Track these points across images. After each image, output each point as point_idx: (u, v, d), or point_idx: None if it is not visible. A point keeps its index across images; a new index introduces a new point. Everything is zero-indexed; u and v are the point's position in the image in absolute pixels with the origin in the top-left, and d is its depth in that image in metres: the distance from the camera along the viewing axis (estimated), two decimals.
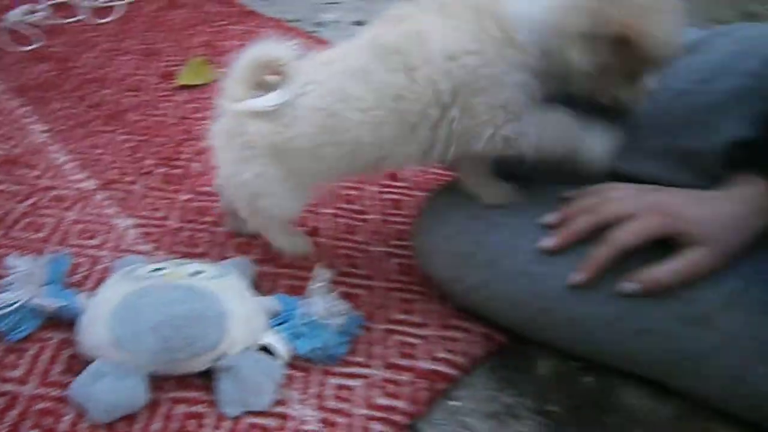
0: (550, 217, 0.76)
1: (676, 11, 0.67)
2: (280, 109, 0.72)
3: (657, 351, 0.74)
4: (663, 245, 0.70)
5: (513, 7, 0.69)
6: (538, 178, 0.81)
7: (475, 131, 0.72)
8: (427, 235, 0.83)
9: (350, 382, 0.76)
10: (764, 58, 0.74)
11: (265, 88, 0.74)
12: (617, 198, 0.74)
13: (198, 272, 0.77)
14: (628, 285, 0.71)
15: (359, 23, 1.72)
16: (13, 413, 0.69)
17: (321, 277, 0.80)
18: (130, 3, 1.63)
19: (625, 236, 0.71)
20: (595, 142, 0.74)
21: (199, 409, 0.71)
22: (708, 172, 0.76)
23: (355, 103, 0.72)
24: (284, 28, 1.60)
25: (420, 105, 0.70)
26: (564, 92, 0.73)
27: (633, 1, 0.66)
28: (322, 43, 1.54)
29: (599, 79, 0.71)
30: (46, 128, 1.15)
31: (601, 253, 0.72)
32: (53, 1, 1.56)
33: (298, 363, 0.77)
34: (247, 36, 1.53)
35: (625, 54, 0.67)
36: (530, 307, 0.77)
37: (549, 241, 0.74)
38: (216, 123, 0.78)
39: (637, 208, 0.72)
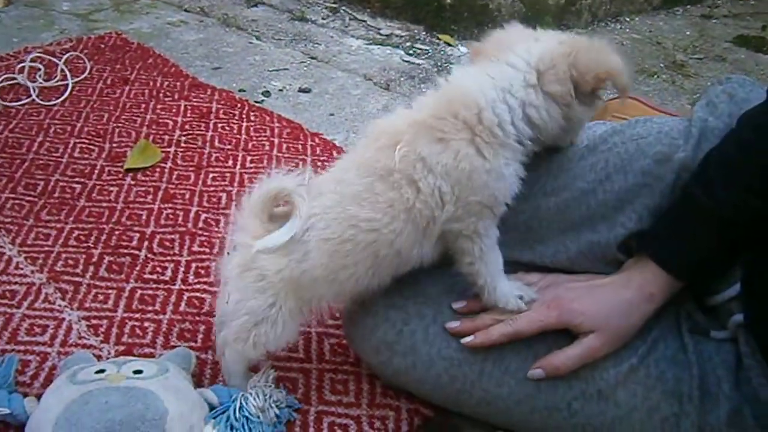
0: (458, 304, 0.85)
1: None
2: (291, 244, 0.77)
3: (566, 425, 0.81)
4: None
5: (494, 108, 0.75)
6: None
7: (461, 218, 0.77)
8: (354, 325, 0.89)
9: None
10: (655, 157, 0.82)
11: (274, 219, 0.80)
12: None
13: (138, 371, 0.82)
14: (533, 371, 0.80)
15: (304, 90, 1.80)
16: None
17: (265, 373, 0.87)
18: (80, 81, 1.68)
19: (522, 323, 0.79)
20: (509, 287, 0.82)
21: None
22: (607, 260, 0.84)
23: (366, 225, 0.76)
24: (233, 100, 1.67)
25: (428, 210, 0.76)
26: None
27: (593, 52, 0.76)
28: (268, 114, 1.62)
29: (578, 125, 0.82)
30: None
31: (497, 328, 0.81)
32: (1, 85, 1.61)
33: None
34: (194, 111, 1.60)
35: (599, 93, 0.79)
36: (450, 388, 0.85)
37: (453, 324, 0.83)
38: (229, 256, 0.83)
39: (538, 303, 0.80)
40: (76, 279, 1.08)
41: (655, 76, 2.11)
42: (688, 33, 2.50)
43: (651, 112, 1.05)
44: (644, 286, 0.79)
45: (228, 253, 0.84)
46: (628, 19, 2.56)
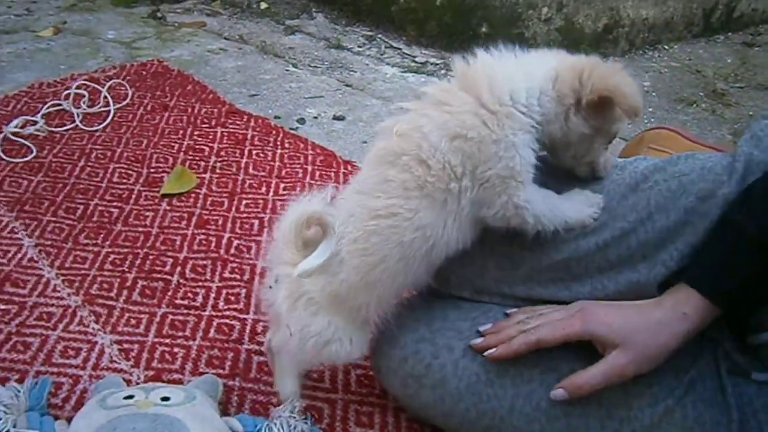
0: (485, 326, 0.84)
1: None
2: (327, 260, 0.79)
3: None
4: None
5: (510, 83, 0.77)
6: None
7: (489, 199, 0.78)
8: (382, 358, 0.89)
9: None
10: (699, 194, 0.80)
11: (308, 244, 0.81)
12: (548, 311, 0.81)
13: (165, 399, 0.83)
14: (555, 392, 0.78)
15: (339, 118, 1.82)
16: None
17: (290, 405, 0.87)
18: (121, 107, 1.73)
19: (544, 331, 0.77)
20: (578, 209, 0.82)
21: None
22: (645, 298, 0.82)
23: (385, 212, 0.77)
24: (268, 127, 1.69)
25: (442, 183, 0.76)
26: (547, 167, 0.81)
27: (604, 70, 0.77)
28: (302, 141, 1.64)
29: (583, 145, 0.81)
30: (35, 242, 1.22)
31: (519, 339, 0.79)
32: (48, 110, 1.67)
33: None
34: (230, 138, 1.63)
35: (605, 115, 0.78)
36: (478, 423, 0.83)
37: (477, 340, 0.82)
38: (272, 290, 0.84)
39: (563, 312, 0.78)
40: (110, 303, 1.10)
41: (695, 105, 2.08)
42: (729, 61, 2.46)
43: (687, 143, 1.02)
44: (677, 305, 0.75)
45: (270, 287, 0.84)
46: (666, 47, 2.53)
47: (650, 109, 2.04)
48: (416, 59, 2.27)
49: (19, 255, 1.19)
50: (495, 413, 0.82)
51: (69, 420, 0.84)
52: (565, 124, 0.78)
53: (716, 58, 2.48)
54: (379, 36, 2.43)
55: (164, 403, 0.82)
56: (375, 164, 0.80)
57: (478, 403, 0.83)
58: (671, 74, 2.31)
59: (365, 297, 0.81)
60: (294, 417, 0.86)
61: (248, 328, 1.07)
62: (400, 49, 2.35)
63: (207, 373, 0.97)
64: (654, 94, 2.15)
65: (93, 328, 1.05)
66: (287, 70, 2.11)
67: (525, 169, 0.77)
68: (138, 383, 0.95)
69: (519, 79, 0.77)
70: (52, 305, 1.09)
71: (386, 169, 0.78)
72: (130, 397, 0.83)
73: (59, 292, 1.12)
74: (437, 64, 2.24)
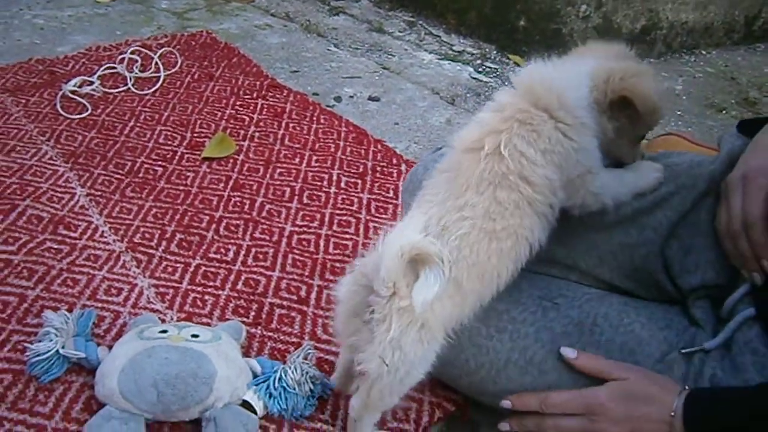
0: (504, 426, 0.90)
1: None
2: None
3: None
4: None
5: (570, 93, 0.81)
6: None
7: (570, 195, 0.84)
8: None
9: None
10: (688, 172, 0.89)
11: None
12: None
13: (195, 335, 0.94)
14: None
15: (374, 99, 1.90)
16: None
17: (304, 350, 0.97)
18: (171, 74, 1.84)
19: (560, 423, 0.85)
20: (645, 175, 0.89)
21: None
22: (635, 265, 0.92)
23: (504, 234, 0.79)
24: (306, 102, 1.79)
25: (546, 197, 0.82)
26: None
27: (626, 72, 0.81)
28: (337, 119, 1.73)
29: (619, 143, 0.86)
30: (87, 192, 1.34)
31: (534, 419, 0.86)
32: (103, 72, 1.79)
33: (273, 417, 0.92)
34: (269, 110, 1.73)
35: (629, 116, 0.83)
36: (476, 374, 0.91)
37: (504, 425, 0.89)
38: (382, 325, 0.77)
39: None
40: (150, 251, 1.21)
41: (724, 112, 2.11)
42: (766, 70, 2.46)
43: (694, 147, 1.09)
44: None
45: (365, 321, 0.79)
46: (704, 53, 2.55)
47: (679, 113, 2.08)
48: (453, 47, 2.34)
49: (72, 202, 1.31)
50: (492, 365, 0.89)
51: (110, 348, 0.95)
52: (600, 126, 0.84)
53: (753, 66, 2.49)
54: (420, 22, 2.49)
55: (194, 339, 0.93)
56: (481, 186, 0.79)
57: (477, 355, 0.90)
58: (705, 79, 2.34)
59: (470, 311, 0.82)
60: (307, 363, 0.96)
61: (273, 283, 1.17)
62: (439, 36, 2.41)
63: (232, 319, 1.08)
64: (685, 98, 2.18)
65: (134, 272, 1.16)
66: (329, 50, 2.20)
67: (597, 163, 0.83)
68: (171, 322, 1.06)
69: (575, 87, 0.81)
70: (99, 249, 1.21)
71: (495, 190, 0.79)
72: (164, 331, 0.94)
73: (106, 237, 1.23)
74: (474, 54, 2.30)
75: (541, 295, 0.91)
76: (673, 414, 0.78)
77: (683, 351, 0.85)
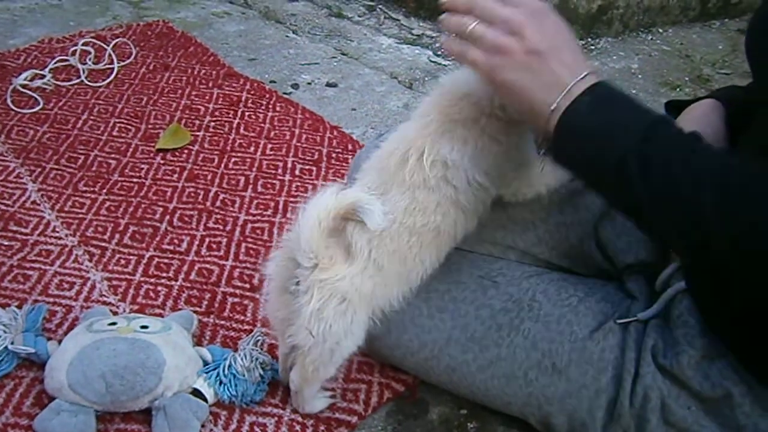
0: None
1: None
2: (363, 263, 0.80)
3: (521, 394, 0.89)
4: None
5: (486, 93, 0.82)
6: None
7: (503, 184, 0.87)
8: None
9: (264, 420, 0.93)
10: None
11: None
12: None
13: (144, 327, 0.95)
14: None
15: (331, 85, 1.91)
16: None
17: (254, 337, 0.98)
18: (125, 65, 1.83)
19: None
20: None
21: None
22: (571, 242, 0.96)
23: (424, 228, 0.82)
24: (263, 90, 1.79)
25: (473, 196, 0.83)
26: None
27: None
28: (293, 106, 1.73)
29: None
30: (38, 187, 1.34)
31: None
32: (56, 65, 1.77)
33: (224, 404, 0.94)
34: (225, 99, 1.72)
35: None
36: (419, 355, 0.94)
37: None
38: (304, 294, 0.80)
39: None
40: (103, 244, 1.22)
41: (678, 89, 2.15)
42: (720, 47, 2.51)
43: None
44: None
45: (291, 292, 0.82)
46: (660, 31, 2.58)
47: (634, 91, 2.11)
48: (413, 31, 2.35)
49: (23, 198, 1.31)
50: (435, 343, 0.92)
51: (60, 342, 0.96)
52: None
53: (708, 43, 2.53)
54: (380, 6, 2.49)
55: (143, 330, 0.94)
56: (403, 187, 0.81)
57: (420, 334, 0.93)
58: (660, 57, 2.37)
59: (394, 294, 0.85)
60: (257, 350, 0.97)
61: (226, 273, 1.18)
62: (398, 20, 2.42)
63: (185, 309, 1.09)
64: (640, 76, 2.22)
65: (86, 266, 1.17)
66: (287, 36, 2.19)
67: (530, 155, 0.85)
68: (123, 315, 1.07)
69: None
70: (51, 244, 1.21)
71: (414, 192, 0.81)
72: (114, 324, 0.95)
73: (58, 232, 1.23)
74: (433, 37, 2.31)
75: (481, 275, 0.94)
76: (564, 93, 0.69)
77: (618, 321, 0.88)
